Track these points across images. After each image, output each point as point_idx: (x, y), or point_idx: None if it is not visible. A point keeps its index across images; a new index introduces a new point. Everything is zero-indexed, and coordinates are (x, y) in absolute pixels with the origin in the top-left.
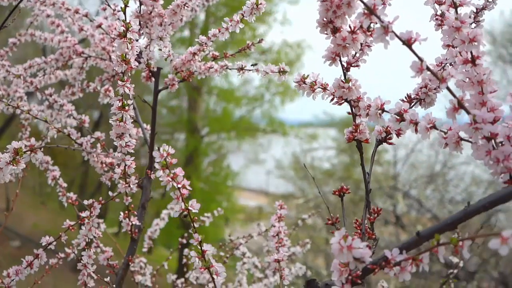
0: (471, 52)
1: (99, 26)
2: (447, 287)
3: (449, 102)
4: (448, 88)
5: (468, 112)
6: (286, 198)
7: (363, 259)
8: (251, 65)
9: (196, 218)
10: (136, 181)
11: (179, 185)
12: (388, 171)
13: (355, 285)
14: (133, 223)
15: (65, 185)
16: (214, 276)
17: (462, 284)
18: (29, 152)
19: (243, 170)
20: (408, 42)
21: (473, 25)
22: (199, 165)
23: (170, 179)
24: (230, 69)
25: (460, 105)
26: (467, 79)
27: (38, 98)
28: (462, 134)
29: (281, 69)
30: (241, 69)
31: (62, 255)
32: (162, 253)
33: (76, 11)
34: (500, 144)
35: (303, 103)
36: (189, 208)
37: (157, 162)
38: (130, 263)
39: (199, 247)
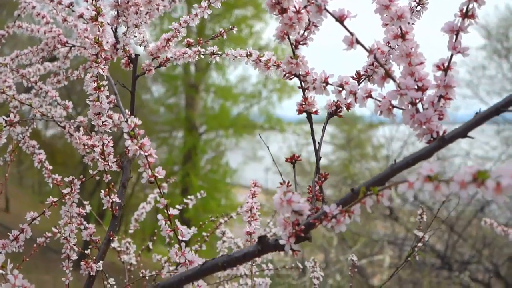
0: (400, 28)
1: (81, 16)
2: (412, 260)
3: (378, 72)
4: (376, 59)
5: (394, 80)
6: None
7: (301, 212)
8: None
9: (164, 185)
10: (114, 160)
11: (146, 154)
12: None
13: (300, 239)
14: (114, 200)
15: (50, 167)
16: (180, 237)
17: (455, 274)
18: (8, 127)
19: (241, 167)
20: (340, 19)
21: (418, 7)
22: (198, 163)
23: (138, 148)
24: (203, 54)
25: (387, 74)
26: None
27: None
28: (395, 102)
29: (248, 53)
30: (212, 53)
31: (49, 234)
32: (162, 251)
33: (59, 2)
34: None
35: (297, 98)
36: (156, 174)
37: (125, 132)
38: (111, 239)
39: (166, 211)
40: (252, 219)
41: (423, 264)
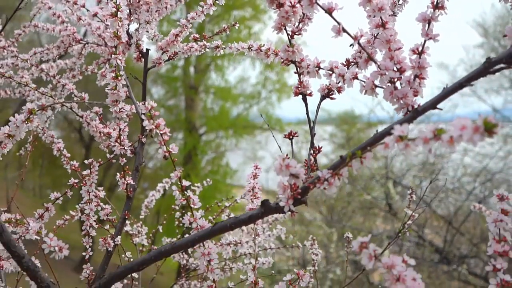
0: (381, 18)
1: (95, 15)
2: (403, 235)
3: (361, 55)
4: (359, 45)
5: (375, 63)
6: None
7: (298, 175)
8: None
9: (174, 159)
10: (130, 144)
11: (162, 132)
12: (384, 164)
13: (297, 201)
14: (128, 182)
15: (68, 155)
16: (192, 205)
17: (453, 267)
18: (40, 111)
19: (241, 168)
20: (329, 11)
21: (401, 0)
22: (198, 164)
23: (154, 127)
24: (208, 48)
25: (369, 57)
26: (379, 39)
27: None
28: (377, 82)
29: (250, 46)
30: (217, 47)
31: (68, 216)
32: None
33: (75, 3)
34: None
35: (300, 100)
36: (170, 150)
37: (143, 114)
38: (126, 218)
39: (179, 183)
40: (254, 197)
41: (422, 259)
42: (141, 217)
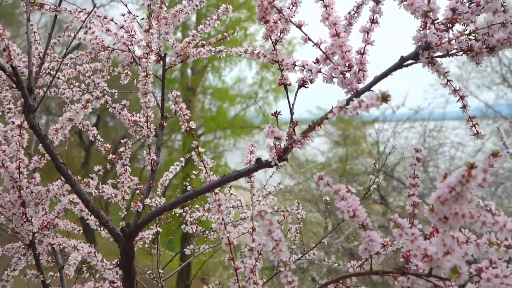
0: (335, 29)
1: (122, 27)
2: (369, 197)
3: (321, 56)
4: (320, 49)
5: (330, 60)
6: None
7: (280, 137)
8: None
9: (196, 137)
10: (155, 127)
11: (184, 113)
12: (378, 161)
13: (280, 158)
14: (153, 158)
15: (102, 139)
16: (206, 165)
17: None
18: (96, 100)
19: (240, 167)
20: (299, 26)
21: (356, 14)
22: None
23: (178, 109)
24: (213, 52)
25: (327, 57)
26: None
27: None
28: (334, 74)
29: (246, 50)
30: (220, 51)
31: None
32: (164, 253)
33: (105, 17)
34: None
35: (297, 100)
36: (190, 125)
37: (170, 100)
38: (151, 186)
39: (197, 150)
40: None
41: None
42: (157, 193)
